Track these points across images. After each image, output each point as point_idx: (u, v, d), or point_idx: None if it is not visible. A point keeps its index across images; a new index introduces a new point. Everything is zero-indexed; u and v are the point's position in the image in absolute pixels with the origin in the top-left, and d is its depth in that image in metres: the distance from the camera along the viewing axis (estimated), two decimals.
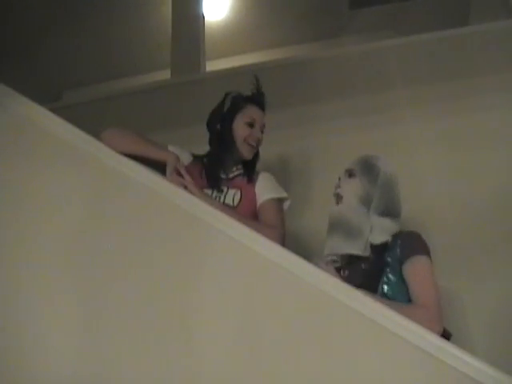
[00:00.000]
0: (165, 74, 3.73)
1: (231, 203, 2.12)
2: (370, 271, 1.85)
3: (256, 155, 2.26)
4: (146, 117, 3.18)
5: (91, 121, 2.66)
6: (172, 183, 1.81)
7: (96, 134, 1.89)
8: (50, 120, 1.85)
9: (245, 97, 2.27)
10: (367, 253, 1.88)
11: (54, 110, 1.90)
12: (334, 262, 1.92)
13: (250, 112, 2.23)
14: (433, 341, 1.31)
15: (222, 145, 2.20)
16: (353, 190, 1.98)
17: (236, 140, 2.19)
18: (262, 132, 2.25)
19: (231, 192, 2.14)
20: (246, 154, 2.20)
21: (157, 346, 1.48)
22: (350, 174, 2.03)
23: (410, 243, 1.89)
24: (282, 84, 2.98)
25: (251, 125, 2.21)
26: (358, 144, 2.81)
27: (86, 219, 1.71)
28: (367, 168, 2.02)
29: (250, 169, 2.23)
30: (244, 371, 1.41)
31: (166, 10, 3.93)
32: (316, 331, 1.40)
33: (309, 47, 4.48)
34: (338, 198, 2.01)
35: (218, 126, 2.21)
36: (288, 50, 4.42)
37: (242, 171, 2.22)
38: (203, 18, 3.77)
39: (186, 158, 2.21)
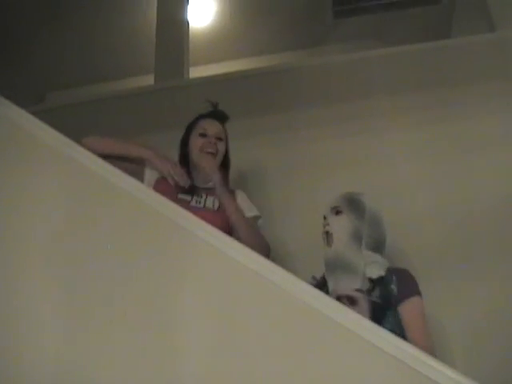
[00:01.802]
0: (148, 79, 3.72)
1: (211, 207, 2.16)
2: (378, 304, 1.84)
3: (224, 168, 2.28)
4: (129, 121, 3.17)
5: (73, 124, 2.65)
6: (166, 168, 2.08)
7: (78, 137, 1.88)
8: (34, 124, 1.84)
9: (198, 116, 2.34)
10: (365, 287, 1.87)
11: (36, 113, 1.89)
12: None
13: (202, 124, 2.30)
14: (410, 352, 1.32)
15: (185, 164, 2.27)
16: (342, 226, 1.98)
17: (194, 155, 2.24)
18: (221, 139, 2.28)
19: (210, 198, 2.18)
20: (204, 163, 2.21)
21: (140, 349, 1.47)
22: (337, 211, 2.01)
23: (407, 282, 1.89)
24: (265, 91, 3.00)
25: (203, 135, 2.26)
26: (341, 152, 2.84)
27: (68, 224, 1.69)
28: (353, 204, 2.02)
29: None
30: (224, 379, 1.40)
31: (151, 15, 3.92)
32: (295, 341, 1.40)
33: (293, 55, 4.50)
34: (328, 236, 1.99)
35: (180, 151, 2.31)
36: (272, 58, 4.43)
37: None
38: (188, 24, 3.77)
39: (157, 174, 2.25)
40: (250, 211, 2.23)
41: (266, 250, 2.10)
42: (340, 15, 4.41)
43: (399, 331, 1.78)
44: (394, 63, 2.95)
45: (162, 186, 2.12)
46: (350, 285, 1.87)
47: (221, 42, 4.53)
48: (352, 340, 1.36)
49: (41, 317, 1.57)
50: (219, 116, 2.34)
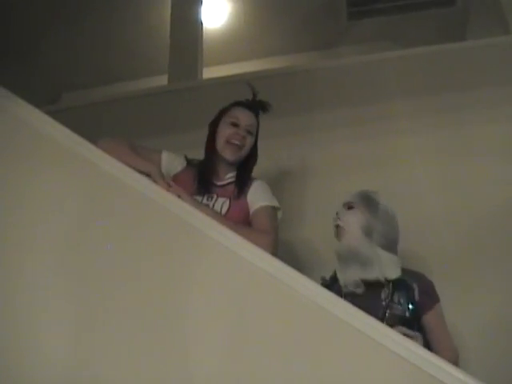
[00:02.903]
0: (162, 80, 3.74)
1: (218, 211, 2.04)
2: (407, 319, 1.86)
3: (249, 161, 2.18)
4: (143, 122, 3.18)
5: (88, 124, 2.68)
6: (165, 190, 1.78)
7: (92, 137, 1.89)
8: (47, 123, 1.84)
9: (233, 102, 2.21)
10: (383, 279, 1.89)
11: (51, 113, 1.90)
12: (357, 286, 1.89)
13: (235, 112, 2.17)
14: (422, 355, 1.31)
15: (208, 151, 2.17)
16: (354, 220, 1.98)
17: (218, 143, 2.13)
18: (251, 133, 2.15)
19: (220, 200, 2.07)
20: (229, 155, 2.11)
21: (148, 349, 1.48)
22: (349, 206, 2.02)
23: (429, 290, 1.92)
24: (278, 93, 2.98)
25: (235, 124, 2.13)
26: (355, 155, 2.84)
27: (80, 223, 1.70)
28: (366, 200, 2.03)
29: (242, 177, 2.14)
30: (234, 379, 1.41)
31: (165, 16, 3.94)
32: (306, 341, 1.40)
33: (307, 57, 4.50)
34: (340, 229, 2.00)
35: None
36: (286, 59, 4.44)
37: (234, 179, 2.14)
38: (202, 24, 3.79)
39: (180, 164, 2.18)
40: (269, 201, 2.10)
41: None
42: (354, 17, 4.40)
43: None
44: (408, 65, 2.94)
45: (179, 183, 2.03)
46: (362, 274, 1.88)
47: (234, 42, 4.53)
48: (362, 340, 1.35)
49: (46, 316, 1.57)
50: (255, 107, 2.19)
